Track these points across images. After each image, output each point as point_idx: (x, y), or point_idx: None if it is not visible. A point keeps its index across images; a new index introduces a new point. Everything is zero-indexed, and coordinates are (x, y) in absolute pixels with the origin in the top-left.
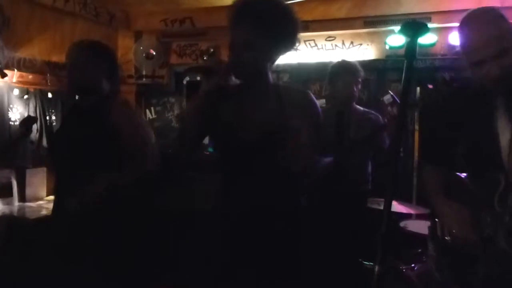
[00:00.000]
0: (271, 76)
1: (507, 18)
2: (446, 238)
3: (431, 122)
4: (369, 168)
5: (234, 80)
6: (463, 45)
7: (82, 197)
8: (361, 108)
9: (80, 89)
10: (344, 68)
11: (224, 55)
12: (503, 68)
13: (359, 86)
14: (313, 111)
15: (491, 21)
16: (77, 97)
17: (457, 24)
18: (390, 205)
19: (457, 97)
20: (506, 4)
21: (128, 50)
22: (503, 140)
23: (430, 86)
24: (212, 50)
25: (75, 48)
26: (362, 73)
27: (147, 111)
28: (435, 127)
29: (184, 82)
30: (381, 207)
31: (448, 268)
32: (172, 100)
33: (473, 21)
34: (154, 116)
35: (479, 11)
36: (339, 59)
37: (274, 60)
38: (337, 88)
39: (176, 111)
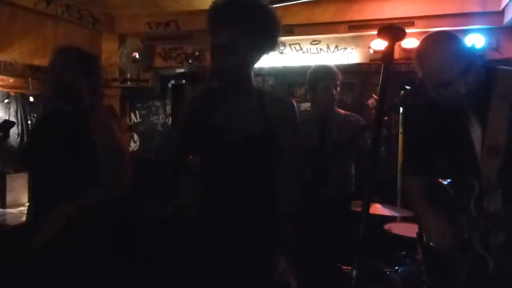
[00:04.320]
0: (253, 79)
1: (461, 39)
2: (430, 243)
3: (411, 132)
4: (353, 171)
5: (217, 85)
6: (426, 68)
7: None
8: (343, 112)
9: (60, 94)
10: (321, 74)
11: (209, 59)
12: (467, 84)
13: (338, 89)
14: (291, 120)
15: (451, 43)
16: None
17: (440, 28)
18: (368, 207)
19: (432, 108)
20: (487, 9)
21: (112, 54)
22: (477, 146)
23: (408, 87)
24: (197, 53)
25: (58, 52)
26: (340, 77)
27: (132, 114)
28: (414, 138)
29: (169, 85)
30: None
31: (433, 271)
32: (157, 103)
33: (434, 44)
34: (139, 120)
35: (436, 36)
36: (316, 64)
37: (255, 62)
38: (317, 94)
39: (161, 115)
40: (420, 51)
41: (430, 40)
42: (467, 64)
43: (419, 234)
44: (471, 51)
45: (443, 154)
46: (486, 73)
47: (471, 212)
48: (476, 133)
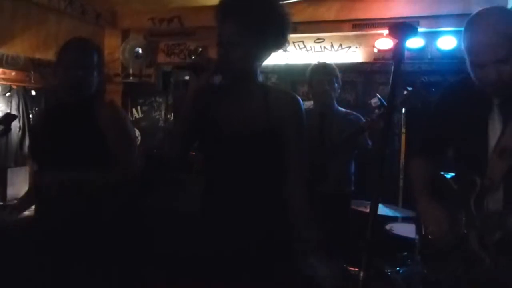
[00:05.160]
0: (259, 76)
1: None
2: (428, 237)
3: (426, 117)
4: (352, 169)
5: (221, 79)
6: (466, 45)
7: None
8: (343, 110)
9: (70, 86)
10: (316, 69)
11: (212, 55)
12: (501, 74)
13: (336, 85)
14: (298, 114)
15: (497, 25)
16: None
17: (445, 28)
18: (376, 209)
19: (455, 95)
20: None
21: (115, 49)
22: (491, 143)
23: (409, 89)
24: (200, 49)
25: (74, 45)
26: (335, 72)
27: (134, 110)
28: (430, 123)
29: (172, 81)
30: (367, 209)
31: (429, 259)
32: (159, 99)
33: (478, 23)
34: (140, 115)
35: (487, 13)
36: (316, 62)
37: (263, 59)
38: (313, 89)
39: (163, 111)
40: (468, 24)
41: (480, 16)
42: (508, 52)
43: (418, 223)
44: None
45: (454, 143)
46: None
47: (470, 210)
48: (494, 130)
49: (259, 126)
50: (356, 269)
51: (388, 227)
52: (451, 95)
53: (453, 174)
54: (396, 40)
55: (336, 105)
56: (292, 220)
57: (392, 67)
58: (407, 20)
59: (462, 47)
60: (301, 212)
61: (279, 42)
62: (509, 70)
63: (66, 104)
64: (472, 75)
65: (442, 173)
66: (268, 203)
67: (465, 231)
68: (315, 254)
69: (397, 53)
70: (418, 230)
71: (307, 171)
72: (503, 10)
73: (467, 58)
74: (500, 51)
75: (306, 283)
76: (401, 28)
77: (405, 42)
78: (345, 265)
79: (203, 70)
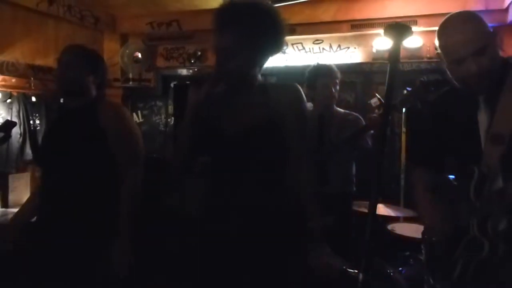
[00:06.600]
0: (259, 78)
1: (483, 20)
2: (433, 239)
3: (418, 125)
4: (353, 170)
5: (221, 87)
6: (443, 44)
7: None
8: (342, 110)
9: (69, 91)
10: (320, 71)
11: (211, 59)
12: (480, 65)
13: (338, 88)
14: (299, 104)
15: (469, 22)
16: (62, 100)
17: None
18: (375, 210)
19: (443, 99)
20: (491, 7)
21: (114, 53)
22: (482, 132)
23: (409, 89)
24: (199, 53)
25: (66, 50)
26: (338, 74)
27: (134, 114)
28: (422, 130)
29: (172, 85)
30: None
31: (433, 269)
32: (159, 103)
33: (452, 22)
34: (141, 120)
35: (457, 14)
36: (316, 63)
37: (262, 64)
38: (316, 91)
39: (163, 115)
40: (440, 28)
41: (451, 18)
42: (482, 44)
43: (424, 232)
44: (489, 34)
45: (451, 147)
46: (503, 62)
47: (470, 198)
48: (483, 119)
49: (263, 121)
50: (356, 271)
51: (390, 227)
52: (439, 106)
53: (453, 176)
54: (392, 41)
55: (334, 106)
56: (299, 210)
57: (388, 68)
58: (404, 20)
59: (440, 51)
60: (308, 200)
61: (276, 47)
62: (487, 62)
63: (69, 109)
64: (453, 78)
65: (445, 175)
66: (277, 200)
67: (466, 222)
68: (319, 244)
69: (393, 54)
70: (423, 238)
71: (312, 158)
72: (471, 12)
73: (445, 61)
74: (475, 43)
75: (311, 274)
76: (395, 29)
77: (400, 43)
78: (344, 267)
79: (201, 82)
